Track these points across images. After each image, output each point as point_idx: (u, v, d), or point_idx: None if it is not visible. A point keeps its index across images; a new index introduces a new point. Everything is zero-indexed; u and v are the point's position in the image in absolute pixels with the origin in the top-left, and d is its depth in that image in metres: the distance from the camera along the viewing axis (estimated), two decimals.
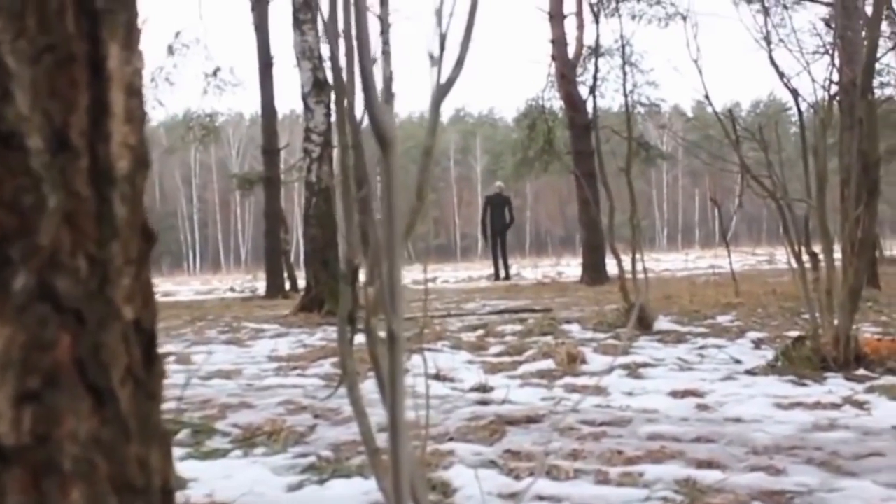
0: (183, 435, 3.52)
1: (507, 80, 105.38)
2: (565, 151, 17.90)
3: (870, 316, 7.24)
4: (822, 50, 10.45)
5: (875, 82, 8.83)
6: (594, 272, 15.08)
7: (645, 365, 5.14)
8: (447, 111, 75.71)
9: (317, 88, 10.56)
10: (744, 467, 2.83)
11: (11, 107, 0.56)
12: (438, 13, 0.78)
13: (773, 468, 2.80)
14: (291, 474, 2.91)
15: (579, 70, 17.22)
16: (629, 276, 7.33)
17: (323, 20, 0.82)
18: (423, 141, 0.90)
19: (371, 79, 0.69)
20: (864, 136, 5.02)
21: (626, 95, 10.10)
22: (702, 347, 5.90)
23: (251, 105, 72.61)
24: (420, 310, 6.00)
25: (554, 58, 16.50)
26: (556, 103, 18.29)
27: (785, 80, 5.86)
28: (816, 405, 3.88)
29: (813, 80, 5.62)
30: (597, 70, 12.54)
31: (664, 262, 27.13)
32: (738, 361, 5.23)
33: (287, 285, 16.20)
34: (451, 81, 0.87)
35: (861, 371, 4.60)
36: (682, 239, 68.08)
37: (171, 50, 18.97)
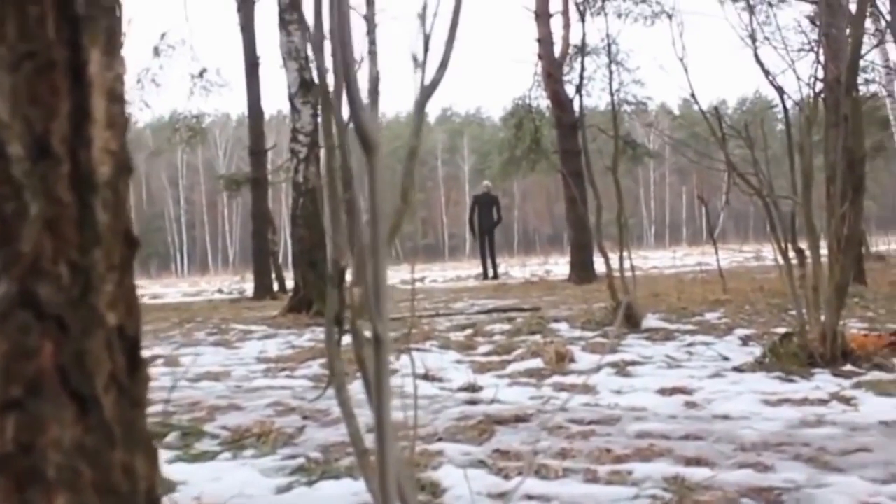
0: (171, 438, 3.51)
1: (493, 79, 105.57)
2: (552, 150, 17.92)
3: (856, 312, 7.28)
4: (807, 47, 10.49)
5: (860, 79, 8.87)
6: (582, 271, 15.10)
7: (633, 363, 5.15)
8: (434, 111, 75.77)
9: (303, 89, 10.55)
10: (732, 464, 2.84)
11: None
12: (422, 17, 0.78)
13: (761, 465, 2.82)
14: (280, 476, 2.90)
15: (566, 69, 17.25)
16: (617, 274, 7.35)
17: (306, 25, 0.82)
18: (409, 141, 0.90)
19: (355, 83, 0.69)
20: (850, 133, 5.05)
21: (612, 94, 10.08)
22: (690, 345, 5.92)
23: (238, 106, 72.59)
24: (408, 310, 6.00)
25: (540, 57, 16.52)
26: (543, 102, 18.32)
27: (770, 77, 5.88)
28: (804, 401, 3.90)
29: (798, 78, 5.62)
30: (583, 69, 12.53)
31: (652, 260, 27.19)
32: (725, 358, 5.25)
33: (275, 286, 16.16)
34: (435, 83, 0.87)
35: (848, 367, 4.62)
36: (669, 236, 68.24)
37: (156, 51, 18.90)
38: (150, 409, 0.70)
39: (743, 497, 2.47)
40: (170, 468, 2.87)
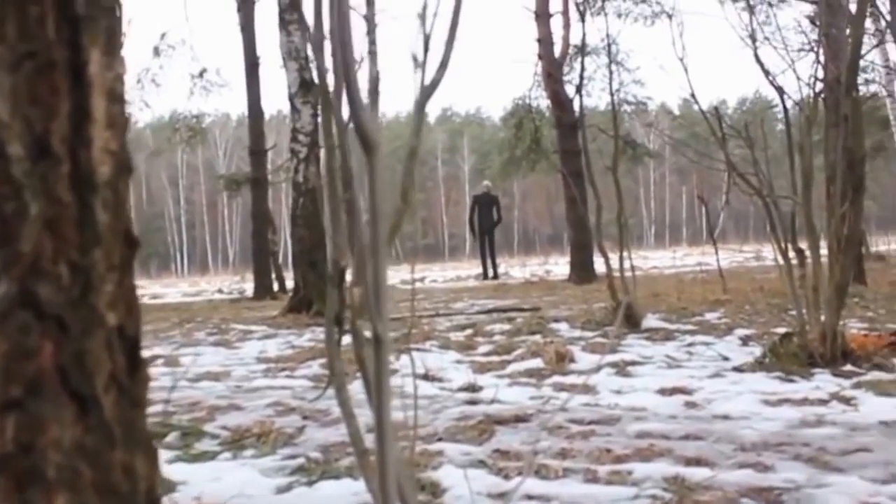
0: (171, 437, 3.51)
1: (493, 79, 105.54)
2: (552, 150, 17.91)
3: (856, 312, 7.28)
4: (807, 47, 10.49)
5: (860, 79, 8.87)
6: (582, 271, 15.10)
7: (633, 363, 5.15)
8: (434, 111, 75.74)
9: (303, 89, 10.55)
10: (732, 464, 2.84)
11: None
12: (422, 17, 0.78)
13: (761, 465, 2.82)
14: (280, 476, 2.90)
15: (566, 69, 17.25)
16: (617, 274, 7.35)
17: (306, 25, 0.82)
18: (409, 141, 0.90)
19: (355, 83, 0.69)
20: (850, 133, 5.04)
21: (612, 94, 10.07)
22: (690, 345, 5.92)
23: (238, 106, 72.56)
24: (408, 310, 6.00)
25: (540, 57, 16.52)
26: (543, 102, 18.32)
27: (770, 77, 5.87)
28: (804, 401, 3.89)
29: (798, 78, 5.62)
30: (583, 69, 12.54)
31: (652, 260, 27.19)
32: (725, 358, 5.24)
33: (275, 286, 16.15)
34: (435, 83, 0.87)
35: (848, 367, 4.62)
36: (669, 236, 68.24)
37: (156, 51, 18.90)
38: (150, 409, 0.70)
39: (743, 497, 2.47)
40: (170, 468, 2.87)
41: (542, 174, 25.34)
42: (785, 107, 5.71)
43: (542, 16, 16.26)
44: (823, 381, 4.34)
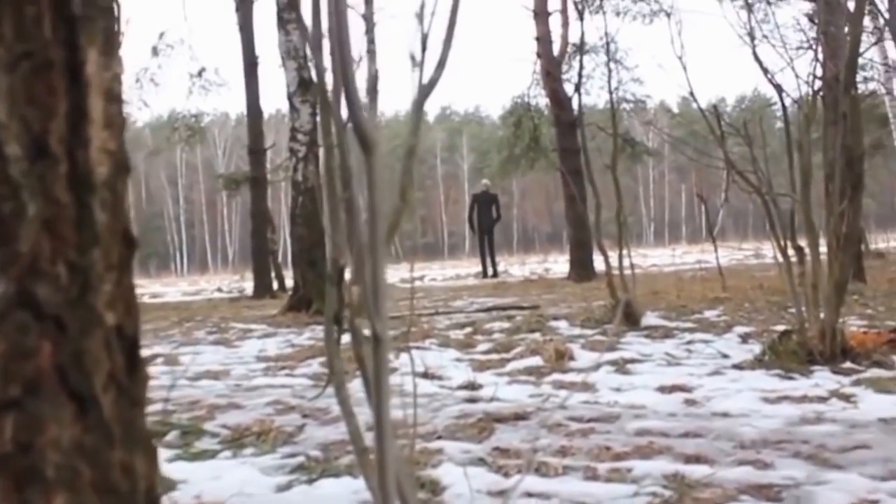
0: (171, 436, 3.51)
1: (492, 77, 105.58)
2: (551, 148, 17.92)
3: (855, 309, 7.28)
4: (805, 45, 10.48)
5: (858, 77, 8.86)
6: (581, 269, 15.10)
7: (632, 361, 5.15)
8: (433, 109, 75.76)
9: (302, 88, 10.54)
10: (731, 461, 2.84)
11: None
12: (420, 16, 0.78)
13: (760, 462, 2.82)
14: (280, 474, 2.90)
15: (564, 67, 17.27)
16: (616, 272, 7.35)
17: (305, 25, 0.81)
18: (407, 140, 0.90)
19: (353, 82, 0.69)
20: (848, 131, 5.04)
21: (611, 92, 10.08)
22: (689, 342, 5.92)
23: (237, 105, 72.43)
24: (407, 308, 6.00)
25: (539, 55, 16.53)
26: (542, 101, 18.33)
27: (769, 75, 5.88)
28: (803, 399, 3.90)
29: (797, 76, 5.62)
30: (582, 67, 12.58)
31: (651, 258, 27.21)
32: (725, 356, 5.24)
33: (275, 285, 16.16)
34: (433, 82, 0.87)
35: (847, 364, 4.63)
36: (668, 234, 68.27)
37: (155, 51, 18.91)
38: (150, 408, 0.70)
39: (742, 494, 2.47)
40: (169, 467, 2.87)
41: (542, 172, 25.37)
42: (784, 105, 5.71)
43: (541, 14, 16.27)
44: (823, 379, 4.34)
